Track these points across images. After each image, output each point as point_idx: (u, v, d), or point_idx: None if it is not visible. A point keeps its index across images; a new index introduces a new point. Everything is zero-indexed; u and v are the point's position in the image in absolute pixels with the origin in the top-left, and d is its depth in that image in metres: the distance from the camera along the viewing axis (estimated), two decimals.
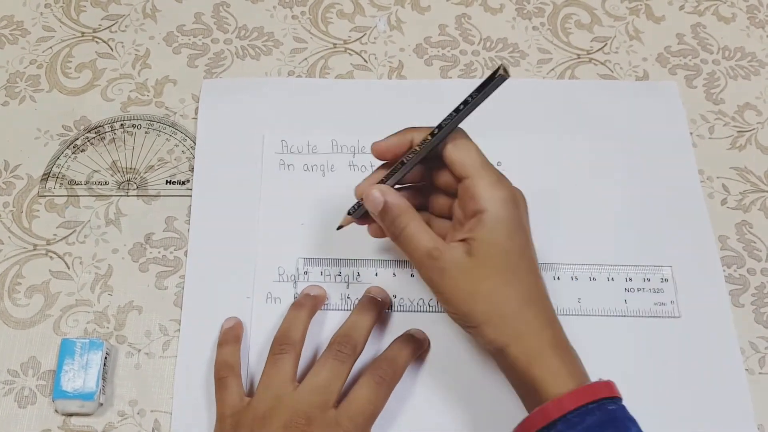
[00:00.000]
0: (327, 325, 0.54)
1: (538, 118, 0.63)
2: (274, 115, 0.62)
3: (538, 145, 0.62)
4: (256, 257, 0.57)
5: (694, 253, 0.58)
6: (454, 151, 0.48)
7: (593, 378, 0.46)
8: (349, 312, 0.53)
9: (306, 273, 0.56)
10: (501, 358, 0.47)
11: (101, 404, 0.52)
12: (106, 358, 0.52)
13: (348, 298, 0.55)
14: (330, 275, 0.56)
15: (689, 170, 0.61)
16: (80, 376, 0.51)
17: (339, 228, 0.53)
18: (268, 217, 0.58)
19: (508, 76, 0.44)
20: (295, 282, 0.56)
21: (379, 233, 0.52)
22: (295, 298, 0.55)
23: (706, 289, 0.57)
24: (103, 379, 0.51)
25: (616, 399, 0.45)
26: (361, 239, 0.57)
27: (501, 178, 0.48)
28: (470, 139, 0.49)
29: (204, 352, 0.53)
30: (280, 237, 0.57)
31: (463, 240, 0.47)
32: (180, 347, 0.54)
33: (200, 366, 0.53)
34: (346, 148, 0.61)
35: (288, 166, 0.60)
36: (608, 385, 0.45)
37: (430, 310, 0.55)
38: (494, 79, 0.44)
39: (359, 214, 0.52)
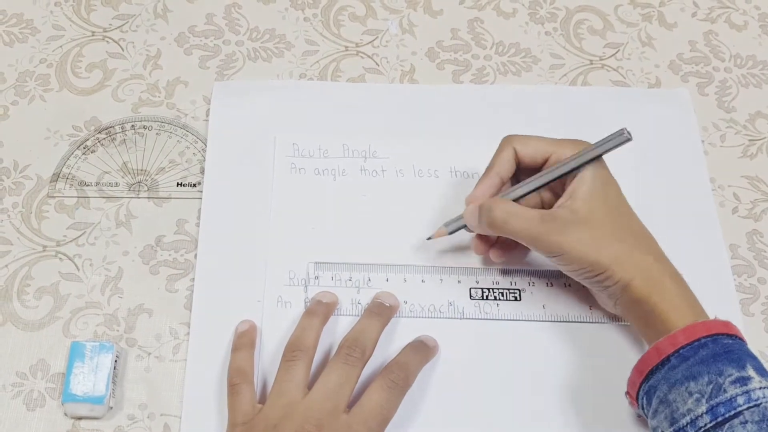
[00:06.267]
0: (337, 329, 0.54)
1: (550, 124, 0.62)
2: (286, 118, 0.62)
3: None
4: (266, 261, 0.56)
5: (705, 261, 0.58)
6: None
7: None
8: (359, 317, 0.53)
9: (317, 277, 0.56)
10: (626, 294, 0.49)
11: (111, 408, 0.51)
12: (116, 361, 0.52)
13: (358, 303, 0.55)
14: (341, 280, 0.56)
15: (700, 178, 0.61)
16: (90, 379, 0.51)
17: (429, 239, 0.56)
18: (279, 221, 0.58)
19: (631, 138, 0.50)
20: (306, 286, 0.56)
21: (481, 249, 0.55)
22: (305, 302, 0.55)
23: (717, 298, 0.56)
24: (113, 382, 0.51)
25: (734, 336, 0.46)
26: (372, 244, 0.57)
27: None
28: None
29: (214, 356, 0.53)
30: (291, 241, 0.57)
31: (561, 207, 0.51)
32: (190, 351, 0.53)
33: (210, 369, 0.53)
34: (357, 153, 0.61)
35: (299, 169, 0.60)
36: (726, 324, 0.47)
37: (441, 316, 0.55)
38: (617, 137, 0.50)
39: (453, 228, 0.54)
